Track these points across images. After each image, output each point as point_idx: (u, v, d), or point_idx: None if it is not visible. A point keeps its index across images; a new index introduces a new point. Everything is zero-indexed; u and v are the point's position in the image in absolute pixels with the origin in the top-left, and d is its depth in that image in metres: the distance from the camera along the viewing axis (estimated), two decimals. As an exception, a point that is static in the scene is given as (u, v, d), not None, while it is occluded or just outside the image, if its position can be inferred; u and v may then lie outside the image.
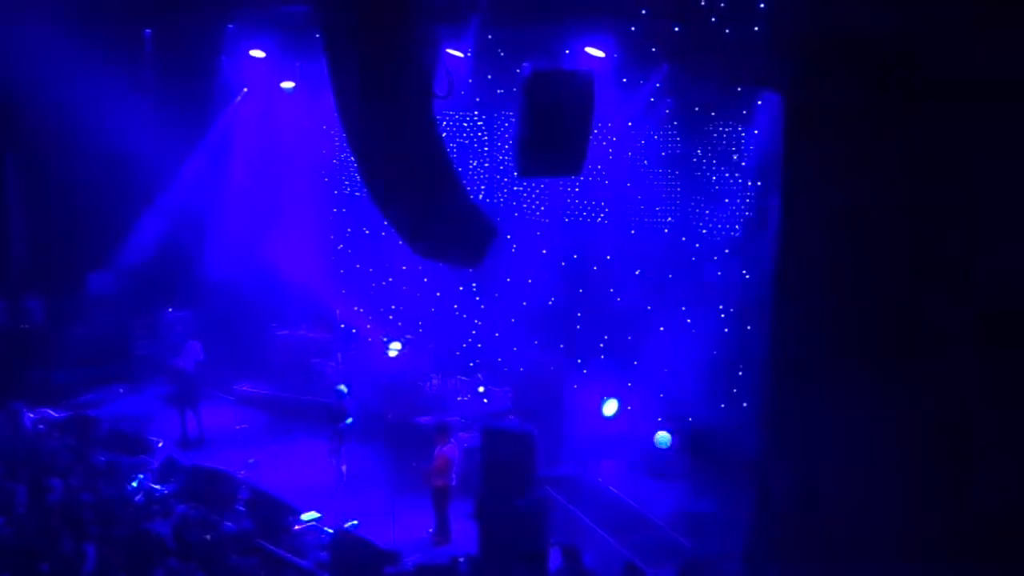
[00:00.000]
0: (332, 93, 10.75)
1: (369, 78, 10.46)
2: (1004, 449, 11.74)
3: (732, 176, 16.84)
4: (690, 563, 14.39)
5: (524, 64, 12.65)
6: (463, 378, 20.02)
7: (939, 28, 11.65)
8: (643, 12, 16.40)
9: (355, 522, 16.00)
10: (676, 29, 16.14)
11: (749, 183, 16.64)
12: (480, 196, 19.92)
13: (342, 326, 22.53)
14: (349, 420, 17.39)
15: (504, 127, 19.63)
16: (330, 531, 15.48)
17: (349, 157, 21.43)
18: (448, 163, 11.06)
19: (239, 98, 22.97)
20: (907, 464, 12.41)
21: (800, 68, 13.72)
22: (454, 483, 15.90)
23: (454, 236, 11.54)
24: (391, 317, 22.31)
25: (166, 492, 16.22)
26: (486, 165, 20.39)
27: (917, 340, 12.33)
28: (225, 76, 22.63)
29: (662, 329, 17.78)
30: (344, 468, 17.30)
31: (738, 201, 16.84)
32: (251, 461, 17.95)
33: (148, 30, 22.00)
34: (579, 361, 18.91)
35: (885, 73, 12.49)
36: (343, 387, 17.89)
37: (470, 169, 20.18)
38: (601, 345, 18.79)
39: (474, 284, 20.87)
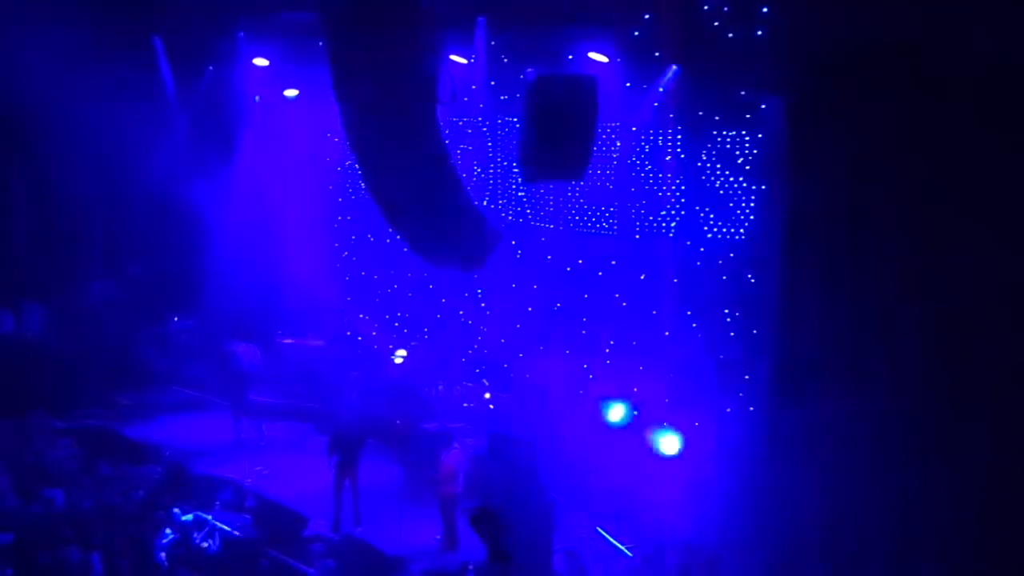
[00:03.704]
0: (336, 101, 10.78)
1: (373, 86, 10.48)
2: (1008, 451, 11.74)
3: (736, 180, 16.80)
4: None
5: (528, 70, 12.73)
6: (469, 384, 20.01)
7: (940, 33, 11.66)
8: (646, 17, 16.40)
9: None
10: (679, 34, 16.12)
11: (753, 187, 16.61)
12: (484, 202, 19.86)
13: (348, 334, 22.53)
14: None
15: (508, 133, 19.62)
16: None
17: (354, 164, 21.51)
18: (452, 169, 11.08)
19: (249, 106, 22.98)
20: (911, 465, 12.42)
21: (803, 73, 13.74)
22: (460, 490, 15.89)
23: (458, 242, 11.56)
24: (397, 324, 22.30)
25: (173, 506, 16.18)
26: (490, 171, 20.37)
27: (922, 342, 12.34)
28: (233, 85, 22.65)
29: (667, 334, 17.75)
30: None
31: (742, 205, 16.80)
32: (260, 469, 17.91)
33: (158, 38, 22.04)
34: (584, 366, 18.88)
35: (888, 78, 12.50)
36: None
37: (474, 175, 20.16)
38: (606, 350, 18.76)
39: (479, 290, 20.86)
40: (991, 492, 11.84)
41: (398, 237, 12.02)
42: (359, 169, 11.27)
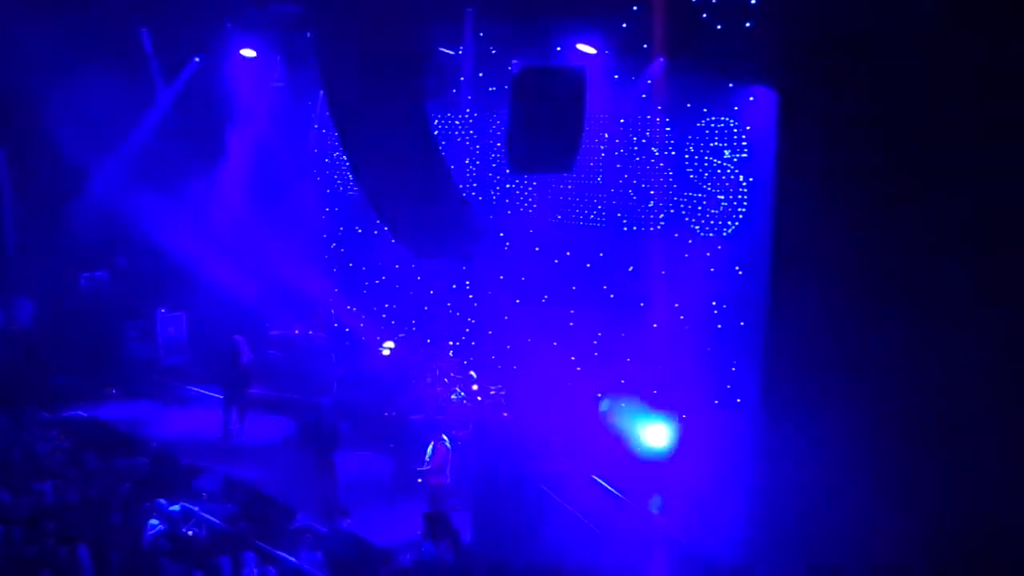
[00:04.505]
0: (324, 92, 10.77)
1: (361, 78, 10.47)
2: (1003, 450, 11.74)
3: (725, 173, 16.82)
4: None
5: (514, 61, 12.76)
6: (457, 376, 20.01)
7: (933, 25, 11.66)
8: (634, 8, 16.40)
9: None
10: (668, 25, 16.12)
11: (742, 179, 16.63)
12: (472, 194, 19.86)
13: (335, 325, 22.51)
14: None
15: (496, 124, 19.61)
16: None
17: (342, 156, 21.48)
18: (441, 160, 11.08)
19: (236, 97, 22.90)
20: (902, 463, 12.43)
21: (793, 65, 13.73)
22: (448, 481, 15.90)
23: (447, 234, 11.55)
24: (384, 315, 22.29)
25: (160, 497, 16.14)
26: (478, 162, 20.36)
27: (915, 337, 12.34)
28: (220, 76, 22.58)
29: (655, 326, 17.77)
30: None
31: (731, 198, 16.82)
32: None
33: (145, 29, 21.94)
34: (572, 358, 18.90)
35: (879, 69, 12.49)
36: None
37: (462, 167, 20.15)
38: (594, 342, 18.77)
39: (467, 282, 20.86)
40: (981, 485, 11.87)
41: (387, 229, 12.00)
42: (348, 161, 11.25)
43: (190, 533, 14.63)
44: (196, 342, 23.11)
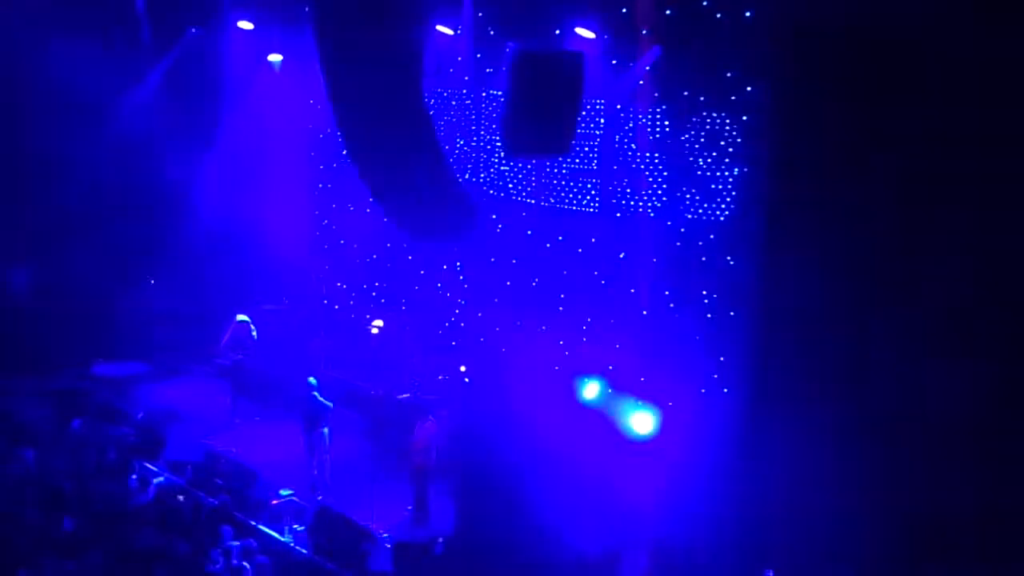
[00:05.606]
0: (320, 68, 10.72)
1: (359, 58, 10.43)
2: (998, 444, 11.81)
3: (719, 162, 16.79)
4: None
5: (509, 43, 12.66)
6: (445, 357, 20.02)
7: (929, 20, 11.66)
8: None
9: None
10: (668, 12, 16.10)
11: (736, 169, 16.61)
12: (467, 175, 19.84)
13: (325, 302, 22.50)
14: (326, 430, 17.02)
15: (492, 106, 19.57)
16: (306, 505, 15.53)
17: (336, 132, 21.43)
18: (436, 143, 11.04)
19: (232, 70, 22.80)
20: (889, 456, 12.50)
21: (790, 57, 13.73)
22: (433, 462, 15.92)
23: (440, 215, 11.54)
24: (374, 294, 22.28)
25: (145, 468, 16.16)
26: (473, 144, 20.32)
27: (903, 331, 12.39)
28: (216, 48, 22.47)
29: (645, 313, 17.78)
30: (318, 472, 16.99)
31: (724, 188, 16.80)
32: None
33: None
34: (561, 343, 18.91)
35: (876, 64, 12.50)
36: (312, 379, 17.25)
37: (457, 148, 20.12)
38: (584, 327, 18.79)
39: (458, 263, 20.85)
40: (960, 479, 11.93)
41: (380, 209, 11.97)
42: (343, 142, 11.21)
43: (175, 508, 14.64)
44: (187, 316, 23.05)
